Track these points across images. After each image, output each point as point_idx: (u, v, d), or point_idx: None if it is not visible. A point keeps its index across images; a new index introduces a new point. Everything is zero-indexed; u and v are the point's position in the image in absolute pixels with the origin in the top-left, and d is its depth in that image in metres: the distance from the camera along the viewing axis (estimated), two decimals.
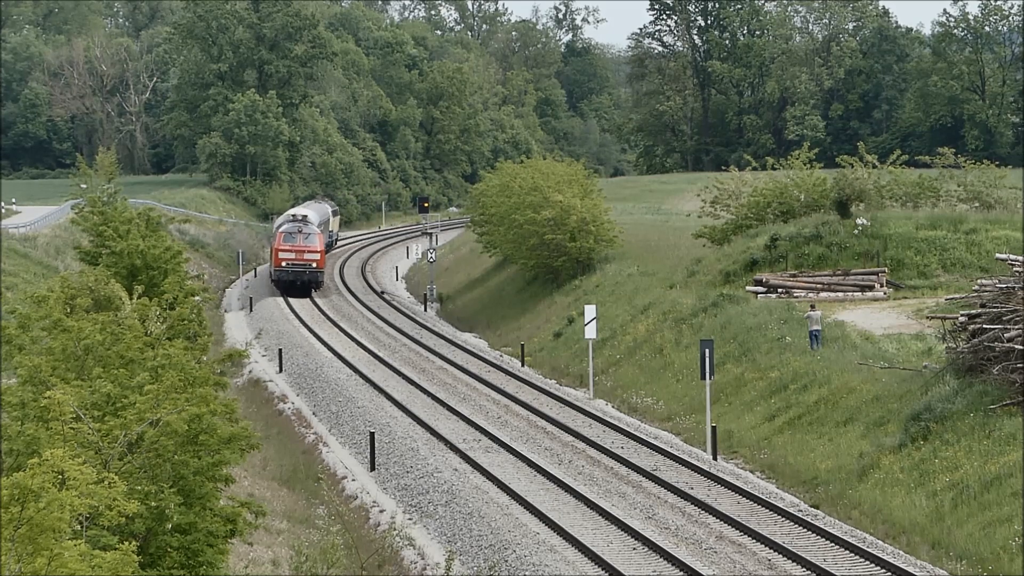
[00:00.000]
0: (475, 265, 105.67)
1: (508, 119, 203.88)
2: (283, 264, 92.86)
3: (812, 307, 56.08)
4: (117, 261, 50.78)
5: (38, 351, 34.40)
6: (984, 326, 43.84)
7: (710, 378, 48.98)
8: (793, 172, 75.87)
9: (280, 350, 70.47)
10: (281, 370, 68.22)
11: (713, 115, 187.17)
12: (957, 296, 50.90)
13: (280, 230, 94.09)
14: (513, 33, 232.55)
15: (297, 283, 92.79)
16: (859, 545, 36.23)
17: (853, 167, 73.16)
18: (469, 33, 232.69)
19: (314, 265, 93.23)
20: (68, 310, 38.87)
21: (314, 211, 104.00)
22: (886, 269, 65.73)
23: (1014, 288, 44.06)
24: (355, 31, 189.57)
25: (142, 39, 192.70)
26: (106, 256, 52.03)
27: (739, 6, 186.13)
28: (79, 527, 21.60)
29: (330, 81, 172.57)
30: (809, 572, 34.67)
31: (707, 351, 48.66)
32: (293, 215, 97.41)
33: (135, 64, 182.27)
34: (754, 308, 60.67)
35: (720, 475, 43.73)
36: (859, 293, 64.60)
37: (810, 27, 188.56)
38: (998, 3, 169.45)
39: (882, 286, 64.96)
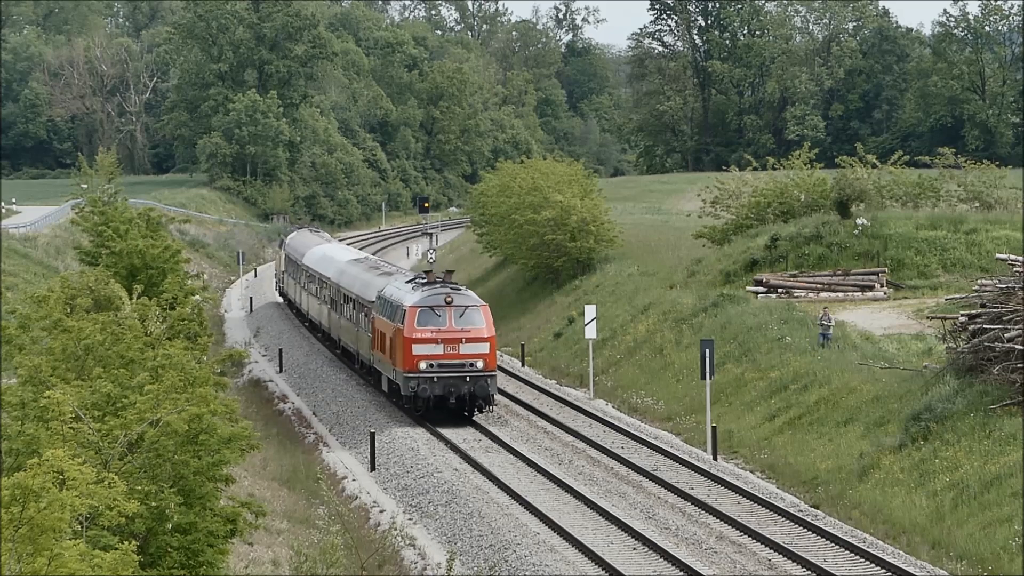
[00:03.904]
0: (475, 265, 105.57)
1: (508, 119, 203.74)
2: (421, 367, 52.39)
3: (825, 309, 56.03)
4: (117, 261, 50.80)
5: (38, 351, 34.43)
6: (984, 326, 43.82)
7: (710, 378, 48.97)
8: (793, 172, 75.86)
9: (280, 350, 70.49)
10: (281, 370, 68.24)
11: (713, 115, 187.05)
12: (957, 296, 50.87)
13: (412, 305, 53.12)
14: (513, 33, 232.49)
15: (450, 400, 52.72)
16: (859, 545, 36.23)
17: (853, 167, 73.15)
18: (469, 33, 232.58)
19: (480, 365, 52.64)
20: (68, 310, 38.88)
21: (342, 250, 77.90)
22: (886, 269, 65.70)
23: (1014, 288, 44.04)
24: (355, 31, 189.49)
25: (142, 39, 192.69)
26: (106, 256, 52.04)
27: (739, 6, 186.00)
28: (79, 527, 21.60)
29: (330, 81, 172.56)
30: (809, 572, 34.67)
31: (707, 351, 48.65)
32: (424, 273, 57.57)
33: (135, 64, 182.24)
34: (754, 308, 60.63)
35: (720, 475, 43.71)
36: (859, 293, 64.57)
37: (810, 27, 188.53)
38: (998, 3, 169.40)
39: (882, 286, 64.94)
